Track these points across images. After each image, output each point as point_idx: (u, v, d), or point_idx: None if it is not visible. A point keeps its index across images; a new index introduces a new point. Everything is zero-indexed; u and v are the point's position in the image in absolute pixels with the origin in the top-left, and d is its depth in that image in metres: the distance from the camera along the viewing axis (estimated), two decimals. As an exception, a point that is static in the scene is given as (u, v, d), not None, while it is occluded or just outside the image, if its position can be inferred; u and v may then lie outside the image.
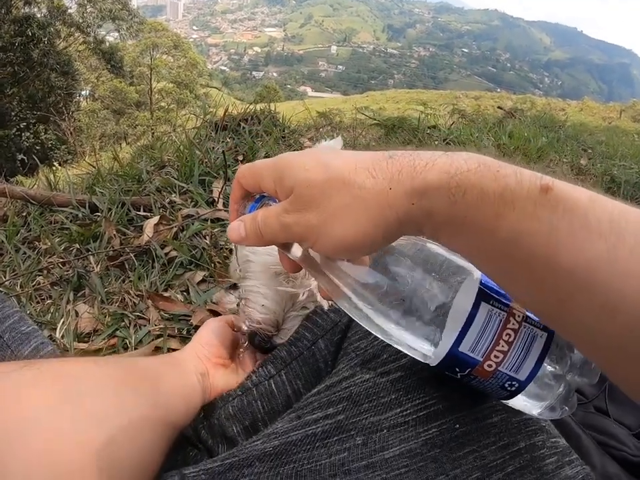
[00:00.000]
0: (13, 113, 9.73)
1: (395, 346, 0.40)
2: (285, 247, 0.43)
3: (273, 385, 0.59)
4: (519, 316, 0.36)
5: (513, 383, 0.37)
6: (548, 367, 0.37)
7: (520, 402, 0.39)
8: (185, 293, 1.02)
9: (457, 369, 0.38)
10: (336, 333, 0.60)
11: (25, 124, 9.63)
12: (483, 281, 0.37)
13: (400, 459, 0.39)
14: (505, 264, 0.31)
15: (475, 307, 0.36)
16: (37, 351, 0.64)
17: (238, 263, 0.70)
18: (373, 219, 0.33)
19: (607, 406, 0.78)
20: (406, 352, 0.40)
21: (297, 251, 0.42)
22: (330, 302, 0.64)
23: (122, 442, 0.40)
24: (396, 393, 0.43)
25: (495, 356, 0.36)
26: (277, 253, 0.61)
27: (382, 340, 0.49)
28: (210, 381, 0.59)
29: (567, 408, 0.38)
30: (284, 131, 1.94)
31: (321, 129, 2.23)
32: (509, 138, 2.64)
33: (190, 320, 0.93)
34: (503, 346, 0.36)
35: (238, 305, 0.68)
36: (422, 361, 0.40)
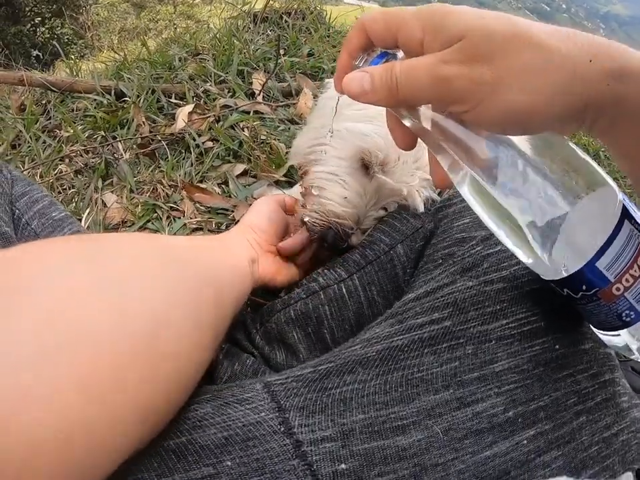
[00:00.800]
0: (27, 8, 9.30)
1: (509, 245, 0.36)
2: (407, 111, 0.35)
3: (344, 289, 0.51)
4: None
5: (631, 313, 0.35)
6: None
7: (626, 335, 0.37)
8: (223, 186, 0.92)
9: (584, 286, 0.35)
10: (417, 239, 0.52)
11: (40, 19, 9.22)
12: (625, 200, 0.35)
13: (509, 373, 0.38)
14: None
15: (619, 224, 0.33)
16: None
17: (295, 148, 0.58)
18: (558, 91, 0.28)
19: None
20: (520, 255, 0.36)
21: (423, 116, 0.34)
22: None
23: (160, 309, 0.31)
24: (500, 304, 0.40)
25: (627, 279, 0.34)
26: (369, 135, 0.52)
27: (479, 249, 0.45)
28: (259, 270, 0.52)
29: None
30: (329, 30, 1.74)
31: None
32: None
33: (230, 214, 0.83)
34: (636, 270, 0.34)
35: (304, 194, 0.56)
36: (534, 270, 0.37)
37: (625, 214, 0.34)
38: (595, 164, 0.34)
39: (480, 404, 0.36)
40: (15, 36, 9.09)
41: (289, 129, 1.06)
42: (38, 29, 9.22)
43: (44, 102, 1.43)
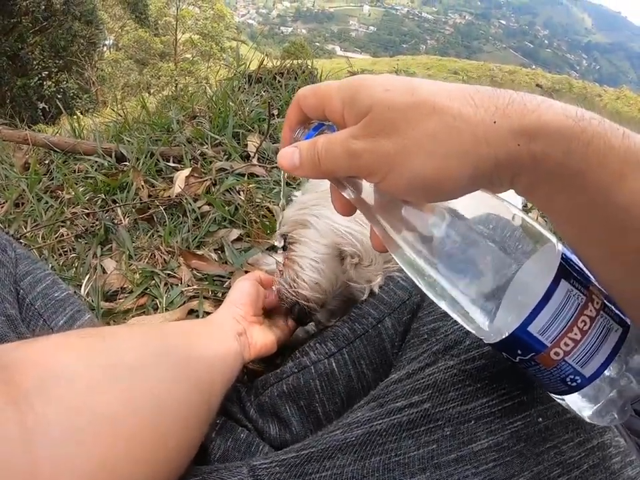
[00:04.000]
0: (35, 62, 9.65)
1: (449, 312, 0.36)
2: (342, 182, 0.37)
3: (334, 364, 0.53)
4: (597, 302, 0.32)
5: (576, 378, 0.33)
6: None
7: (574, 401, 0.35)
8: (219, 252, 0.94)
9: (519, 351, 0.33)
10: (405, 312, 0.53)
11: (46, 73, 9.55)
12: (565, 255, 0.32)
13: (488, 452, 0.38)
14: (611, 234, 0.27)
15: (555, 283, 0.31)
16: (73, 321, 0.58)
17: (284, 219, 0.62)
18: (464, 155, 0.28)
19: None
20: (460, 321, 0.36)
21: (355, 188, 0.36)
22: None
23: (162, 392, 0.37)
24: (481, 382, 0.40)
25: (566, 344, 0.32)
26: (352, 233, 0.55)
27: (461, 325, 0.45)
28: (248, 340, 0.56)
29: (616, 416, 0.34)
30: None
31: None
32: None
33: (226, 282, 0.86)
34: (576, 334, 0.31)
35: (284, 263, 0.60)
36: (476, 335, 0.36)
37: (563, 273, 0.32)
38: (536, 224, 0.34)
39: None
40: (22, 89, 9.37)
41: (283, 191, 1.10)
42: (45, 83, 9.51)
43: (47, 162, 1.48)
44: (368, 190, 0.36)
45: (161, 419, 0.35)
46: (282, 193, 0.52)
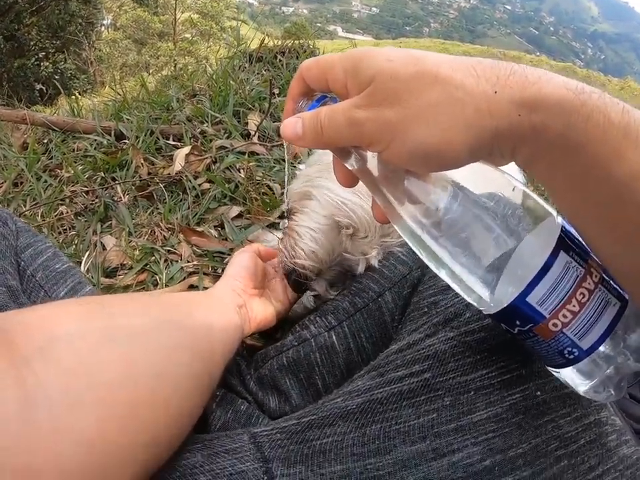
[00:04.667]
0: (32, 43, 9.52)
1: (449, 283, 0.36)
2: (344, 153, 0.37)
3: (334, 337, 0.53)
4: (596, 276, 0.32)
5: (573, 350, 0.33)
6: (599, 347, 0.33)
7: (570, 375, 0.35)
8: (219, 229, 0.94)
9: (518, 322, 0.33)
10: (405, 286, 0.53)
11: (44, 53, 9.43)
12: (564, 228, 0.32)
13: (487, 423, 0.38)
14: (609, 207, 0.28)
15: (553, 255, 0.31)
16: (74, 292, 0.58)
17: (290, 193, 0.62)
18: (465, 125, 0.28)
19: None
20: (460, 292, 0.36)
21: (357, 158, 0.37)
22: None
23: (162, 359, 0.37)
24: (481, 354, 0.41)
25: (564, 315, 0.32)
26: (347, 204, 0.55)
27: (462, 298, 0.45)
28: (248, 312, 0.56)
29: (612, 392, 0.35)
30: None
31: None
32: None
33: (226, 258, 0.85)
34: (574, 306, 0.31)
35: (283, 233, 0.60)
36: (476, 306, 0.36)
37: (562, 245, 0.32)
38: (536, 197, 0.34)
39: (456, 454, 0.37)
40: (19, 69, 9.27)
41: (284, 169, 1.09)
42: (42, 64, 9.41)
43: (46, 141, 1.47)
44: (370, 161, 0.37)
45: (160, 385, 0.35)
46: (286, 167, 0.52)
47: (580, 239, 0.33)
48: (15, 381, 0.27)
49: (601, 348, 0.33)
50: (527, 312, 0.32)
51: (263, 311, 0.58)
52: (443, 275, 0.36)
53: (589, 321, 0.32)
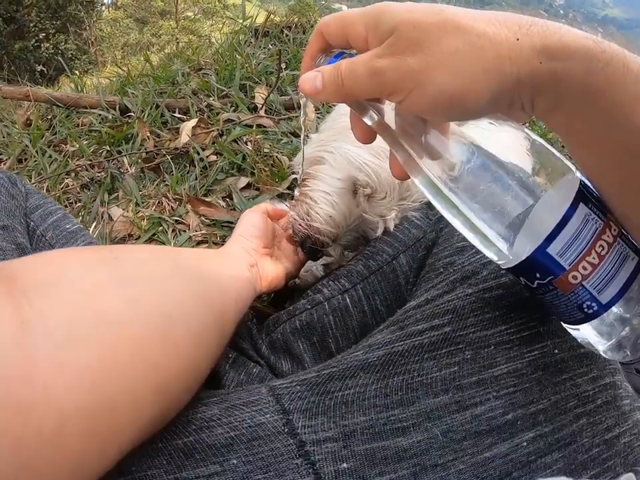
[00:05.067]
0: (31, 24, 9.41)
1: (468, 237, 0.36)
2: (362, 107, 0.37)
3: (348, 300, 0.52)
4: (614, 229, 0.32)
5: (592, 304, 0.33)
6: (616, 308, 0.33)
7: (588, 333, 0.35)
8: (227, 199, 0.93)
9: (538, 275, 0.33)
10: (419, 249, 0.53)
11: (44, 34, 9.34)
12: (583, 182, 0.33)
13: (508, 377, 0.38)
14: (627, 156, 0.28)
15: (573, 207, 0.31)
16: None
17: (304, 158, 0.60)
18: (487, 71, 0.28)
19: None
20: (479, 246, 0.36)
21: (376, 112, 0.36)
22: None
23: (172, 303, 0.35)
24: (500, 310, 0.41)
25: (584, 267, 0.32)
26: (368, 164, 0.55)
27: (479, 257, 0.46)
28: (259, 272, 0.55)
29: (629, 352, 0.35)
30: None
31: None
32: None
33: (234, 227, 0.85)
34: (594, 258, 0.31)
35: (297, 199, 0.59)
36: (495, 259, 0.36)
37: (581, 197, 0.32)
38: (556, 152, 0.34)
39: (479, 407, 0.37)
40: (20, 52, 9.19)
41: (292, 141, 1.08)
42: (42, 45, 9.32)
43: (49, 117, 1.45)
44: (389, 114, 0.36)
45: (170, 329, 0.33)
46: (302, 130, 0.50)
47: (598, 194, 0.33)
48: (11, 308, 0.26)
49: (617, 310, 0.33)
50: (547, 264, 0.32)
51: (274, 270, 0.57)
52: (461, 228, 0.36)
53: (608, 273, 0.32)
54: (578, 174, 0.33)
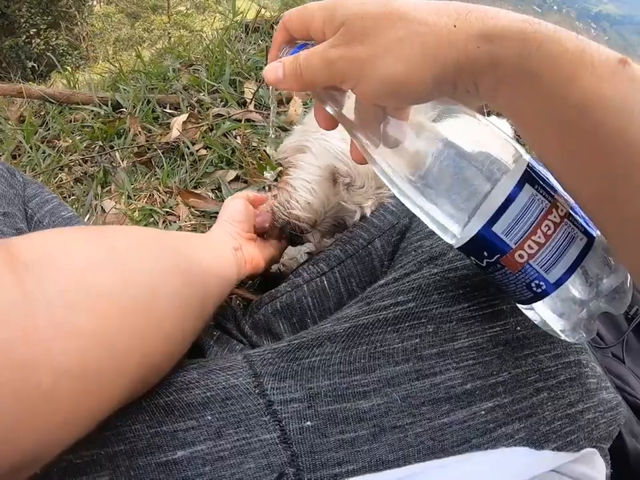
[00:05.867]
0: (22, 20, 9.31)
1: (423, 219, 0.37)
2: (322, 97, 0.39)
3: (325, 282, 0.56)
4: (562, 210, 0.33)
5: (540, 283, 0.34)
6: (572, 289, 0.34)
7: (544, 313, 0.36)
8: (216, 191, 0.96)
9: (485, 253, 0.34)
10: (394, 234, 0.56)
11: (35, 30, 9.25)
12: (531, 164, 0.33)
13: (468, 350, 0.40)
14: (567, 133, 0.29)
15: (518, 187, 0.32)
16: None
17: (284, 148, 0.64)
18: (428, 56, 0.30)
19: (623, 354, 0.81)
20: (434, 228, 0.37)
21: (335, 102, 0.38)
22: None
23: (157, 279, 0.37)
24: (463, 289, 0.42)
25: (530, 246, 0.33)
26: (346, 154, 0.56)
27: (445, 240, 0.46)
28: (243, 255, 0.58)
29: (583, 334, 0.36)
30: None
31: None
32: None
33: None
34: (540, 237, 0.32)
35: (279, 187, 0.62)
36: (449, 241, 0.37)
37: (527, 178, 0.32)
38: (509, 138, 0.35)
39: (438, 376, 0.39)
40: (11, 48, 9.09)
41: (280, 135, 1.11)
42: (33, 41, 9.22)
43: (42, 113, 1.47)
44: (347, 103, 0.38)
45: (155, 303, 0.36)
46: (271, 116, 0.53)
47: (548, 176, 0.34)
48: (15, 279, 0.28)
49: (574, 292, 0.34)
50: (494, 242, 0.33)
51: (258, 254, 0.60)
52: (416, 212, 0.37)
53: (555, 253, 0.33)
54: (526, 156, 0.34)
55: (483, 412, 0.38)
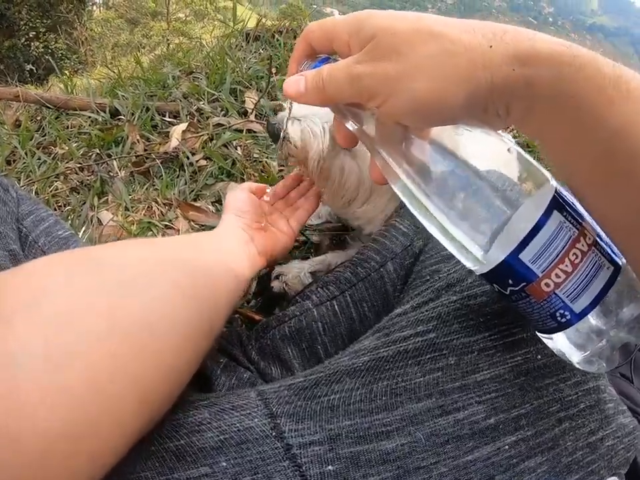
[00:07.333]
0: (22, 22, 9.33)
1: (444, 243, 0.36)
2: (344, 113, 0.38)
3: (336, 306, 0.53)
4: (589, 238, 0.32)
5: (565, 313, 0.32)
6: (592, 320, 0.33)
7: (563, 343, 0.35)
8: (216, 204, 0.93)
9: (510, 281, 0.33)
10: (407, 256, 0.54)
11: (34, 33, 9.26)
12: (558, 189, 0.33)
13: (490, 382, 0.39)
14: (602, 158, 0.28)
15: (546, 214, 0.31)
16: None
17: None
18: (461, 77, 0.29)
19: (632, 374, 0.79)
20: (455, 253, 0.36)
21: (356, 119, 0.37)
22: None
23: (151, 309, 0.35)
24: (484, 317, 0.41)
25: (557, 275, 0.31)
26: None
27: (463, 266, 0.45)
28: (255, 248, 0.56)
29: (604, 364, 0.35)
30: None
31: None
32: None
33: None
34: (567, 266, 0.31)
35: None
36: (470, 266, 0.36)
37: (555, 205, 0.32)
38: (533, 161, 0.34)
39: (461, 411, 0.37)
40: (9, 50, 9.10)
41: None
42: (32, 44, 9.24)
43: (39, 118, 1.44)
44: (369, 120, 0.37)
45: (150, 337, 0.33)
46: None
47: (575, 202, 0.33)
48: None
49: (594, 321, 0.33)
50: (520, 270, 0.32)
51: (271, 244, 0.58)
52: (437, 234, 0.36)
53: (582, 282, 0.32)
54: (553, 182, 0.33)
55: (507, 447, 0.37)
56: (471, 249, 0.35)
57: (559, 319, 0.33)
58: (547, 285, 0.32)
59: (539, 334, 0.37)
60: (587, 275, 0.31)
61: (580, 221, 0.32)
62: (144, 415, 0.33)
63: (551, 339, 0.36)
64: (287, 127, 0.57)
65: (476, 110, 0.30)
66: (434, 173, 0.35)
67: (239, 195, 0.61)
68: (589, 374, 0.41)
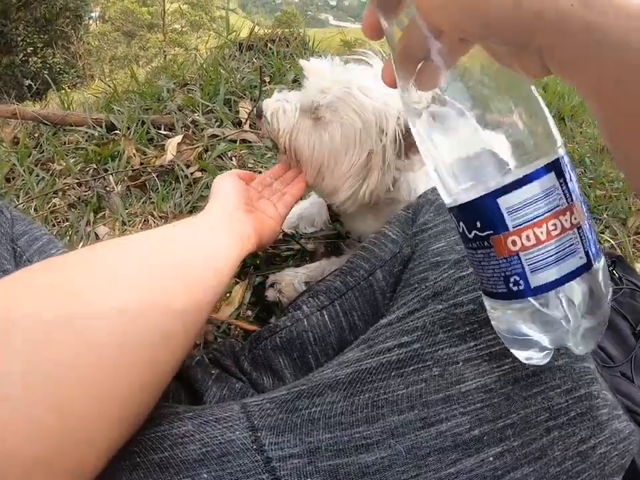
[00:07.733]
0: (19, 38, 9.40)
1: (429, 169, 0.33)
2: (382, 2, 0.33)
3: (326, 316, 0.54)
4: (575, 218, 0.29)
5: (520, 282, 0.30)
6: (540, 304, 0.31)
7: (501, 314, 0.33)
8: (212, 217, 0.94)
9: (478, 224, 0.30)
10: (395, 264, 0.54)
11: (32, 48, 9.33)
12: (564, 157, 0.30)
13: (476, 393, 0.38)
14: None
15: (541, 171, 0.29)
16: None
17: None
18: None
19: (632, 373, 0.78)
20: (434, 177, 0.33)
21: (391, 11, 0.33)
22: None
23: (124, 329, 0.34)
24: (470, 326, 0.40)
25: (528, 237, 0.29)
26: None
27: (451, 272, 0.46)
28: (245, 229, 0.55)
29: (534, 358, 0.35)
30: (312, 55, 1.78)
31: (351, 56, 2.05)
32: (543, 91, 2.44)
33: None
34: (542, 232, 0.29)
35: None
36: (445, 197, 0.33)
37: (555, 167, 0.29)
38: (551, 122, 0.31)
39: (444, 423, 0.37)
40: (7, 67, 9.16)
41: (275, 155, 1.10)
42: (30, 59, 9.30)
43: (36, 135, 1.46)
44: (401, 23, 0.33)
45: (122, 358, 0.34)
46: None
47: (575, 181, 0.31)
48: None
49: (543, 308, 0.31)
50: (493, 214, 0.30)
51: (259, 229, 0.57)
52: (426, 159, 0.34)
53: (550, 256, 0.29)
54: (563, 149, 0.31)
55: (491, 458, 0.36)
56: (451, 179, 0.32)
57: (511, 285, 0.31)
58: (514, 242, 0.29)
59: (483, 295, 0.36)
60: (557, 252, 0.29)
61: (573, 197, 0.30)
62: (119, 431, 0.34)
63: (495, 308, 0.34)
64: (261, 105, 0.62)
65: (521, 21, 0.26)
66: (439, 95, 0.31)
67: (226, 178, 0.61)
68: (581, 380, 0.40)
